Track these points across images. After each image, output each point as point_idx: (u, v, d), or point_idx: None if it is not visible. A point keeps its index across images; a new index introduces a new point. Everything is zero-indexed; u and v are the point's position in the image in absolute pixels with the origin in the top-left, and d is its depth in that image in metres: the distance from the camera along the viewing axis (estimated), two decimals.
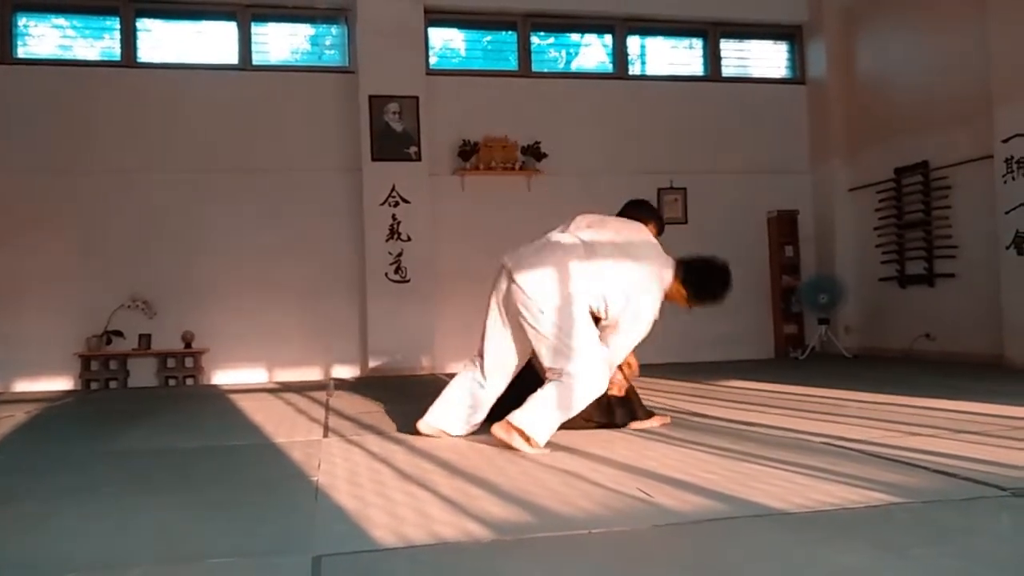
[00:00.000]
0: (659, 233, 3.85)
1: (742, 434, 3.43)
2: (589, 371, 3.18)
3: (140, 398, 6.18)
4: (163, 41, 7.90)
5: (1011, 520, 2.02)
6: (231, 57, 7.86)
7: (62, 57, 7.69)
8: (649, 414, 3.79)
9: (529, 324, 3.24)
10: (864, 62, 8.36)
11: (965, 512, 2.09)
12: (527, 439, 3.10)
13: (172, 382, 7.33)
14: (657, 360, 8.14)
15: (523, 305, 3.24)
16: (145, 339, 7.33)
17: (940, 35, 7.31)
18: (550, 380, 3.22)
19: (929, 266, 7.37)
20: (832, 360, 7.80)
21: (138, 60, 7.70)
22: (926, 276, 7.40)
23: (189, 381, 7.35)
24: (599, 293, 3.26)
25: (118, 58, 7.67)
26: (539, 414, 3.12)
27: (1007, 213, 6.32)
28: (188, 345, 7.40)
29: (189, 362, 7.41)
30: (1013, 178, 6.27)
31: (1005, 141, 6.32)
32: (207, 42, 7.95)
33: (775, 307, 8.65)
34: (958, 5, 7.02)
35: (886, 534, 1.90)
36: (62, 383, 7.27)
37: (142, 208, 7.51)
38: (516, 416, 3.12)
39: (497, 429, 3.17)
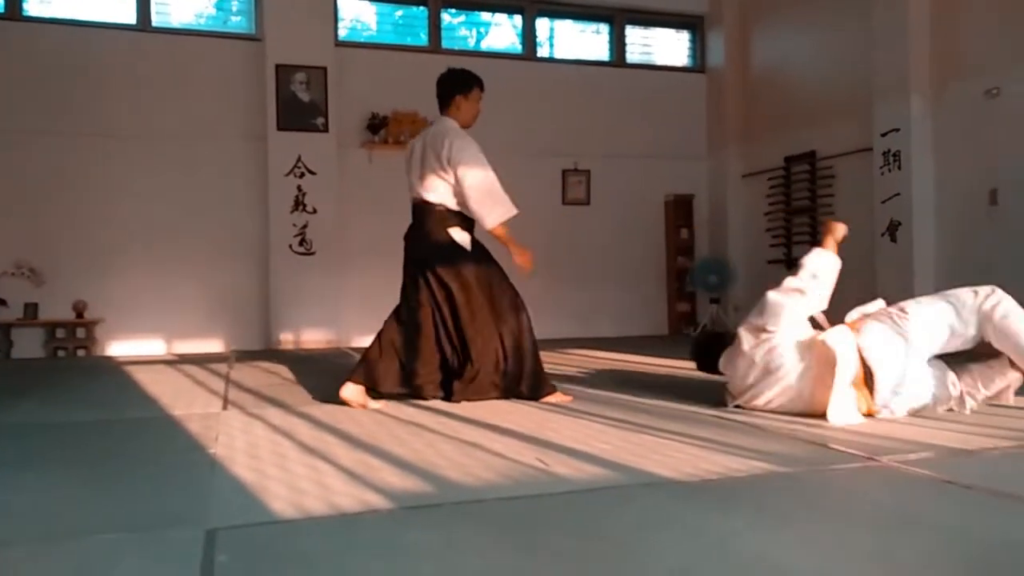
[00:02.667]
0: (466, 92, 3.93)
1: (636, 406, 3.58)
2: None
3: (25, 370, 5.91)
4: None
5: (880, 486, 2.19)
6: (129, 17, 7.50)
7: None
8: (553, 388, 3.87)
9: None
10: (759, 54, 8.70)
11: (839, 480, 2.26)
12: None
13: (62, 354, 7.02)
14: (556, 335, 8.34)
15: None
16: (31, 308, 6.98)
17: (828, 33, 7.69)
18: None
19: None
20: None
21: (24, 14, 7.26)
22: None
23: (81, 353, 7.05)
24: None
25: (2, 11, 7.20)
26: None
27: (883, 202, 6.75)
28: (80, 315, 7.09)
29: (81, 333, 7.10)
30: (889, 170, 6.69)
31: (883, 135, 6.73)
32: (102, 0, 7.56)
33: (670, 286, 8.98)
34: (845, 6, 7.39)
35: (768, 500, 2.04)
36: None
37: (28, 170, 7.12)
38: None
39: None
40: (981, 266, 6.13)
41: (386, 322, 3.85)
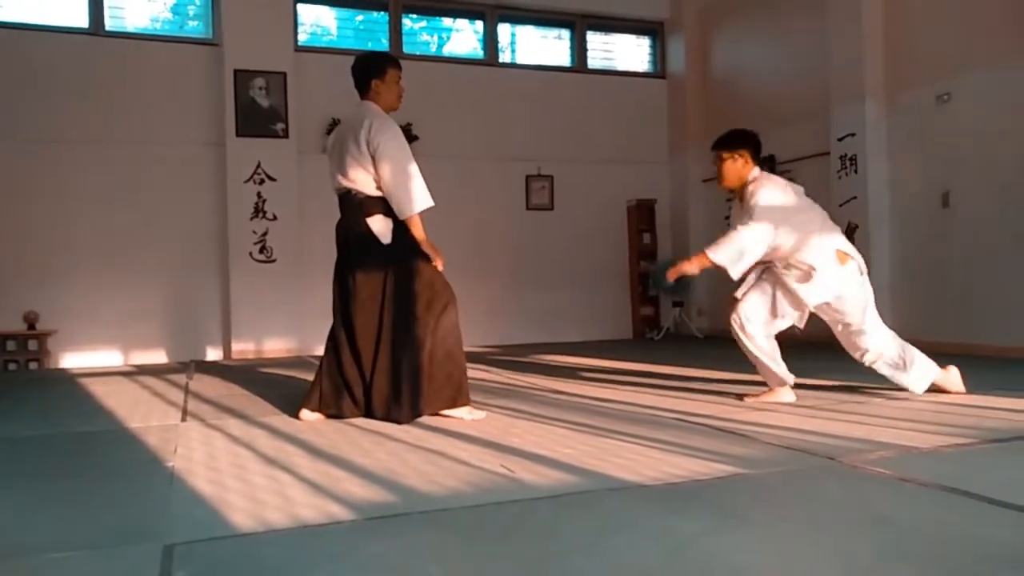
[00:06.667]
0: (380, 76, 3.70)
1: (600, 410, 3.59)
2: None
3: None
4: None
5: (838, 486, 2.22)
6: (81, 21, 7.35)
7: None
8: (465, 401, 3.52)
9: None
10: (719, 60, 8.82)
11: (799, 480, 2.28)
12: None
13: (13, 367, 6.83)
14: (520, 340, 8.35)
15: None
16: None
17: (786, 39, 7.83)
18: None
19: None
20: (685, 340, 8.24)
21: None
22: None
23: (33, 365, 6.87)
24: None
25: None
26: None
27: (840, 206, 6.86)
28: (31, 326, 6.91)
29: (33, 345, 6.92)
30: (847, 173, 6.82)
31: (840, 139, 6.87)
32: (53, 2, 7.38)
33: (633, 291, 9.04)
34: (802, 13, 7.54)
35: (729, 502, 2.05)
36: None
37: None
38: None
39: None
40: (934, 266, 6.28)
41: (327, 341, 3.67)
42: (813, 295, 3.67)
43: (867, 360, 3.76)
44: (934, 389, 3.78)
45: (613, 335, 8.90)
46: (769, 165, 7.91)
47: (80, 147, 7.22)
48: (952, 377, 3.82)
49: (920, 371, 3.73)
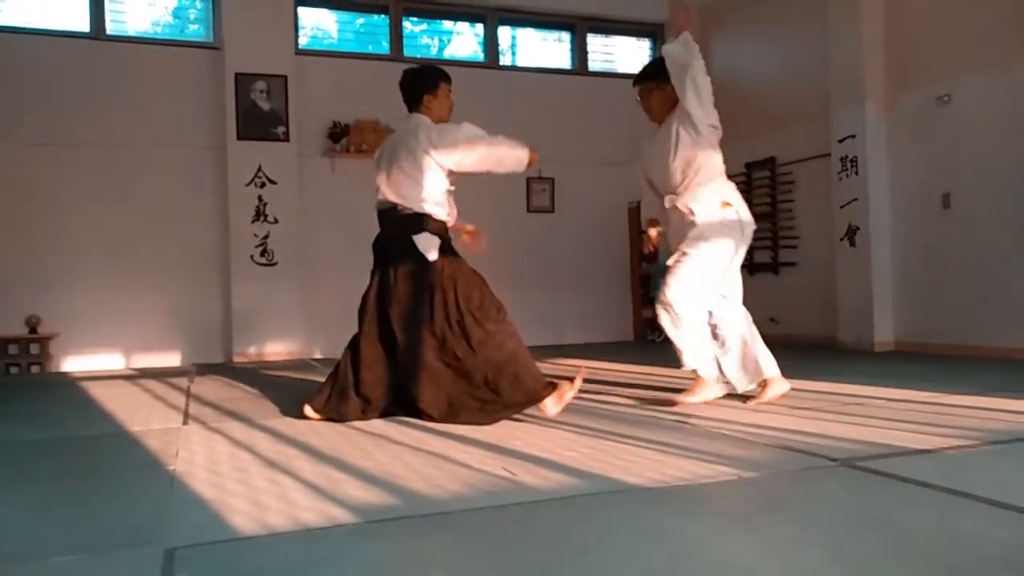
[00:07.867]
0: (432, 91, 3.80)
1: (602, 413, 3.60)
2: None
3: None
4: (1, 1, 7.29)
5: (839, 488, 2.22)
6: (82, 25, 7.36)
7: None
8: (549, 385, 3.47)
9: None
10: (719, 62, 8.79)
11: (800, 482, 2.28)
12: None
13: (14, 370, 6.84)
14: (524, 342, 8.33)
15: None
16: None
17: (786, 40, 7.83)
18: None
19: (774, 255, 7.90)
20: None
21: None
22: (771, 264, 7.93)
23: (35, 369, 6.88)
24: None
25: None
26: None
27: (841, 207, 6.87)
28: (33, 330, 6.92)
29: (35, 348, 6.92)
30: (847, 175, 6.82)
31: (841, 141, 6.86)
32: (53, 6, 7.40)
33: (635, 292, 9.04)
34: (802, 15, 7.53)
35: (731, 505, 2.06)
36: None
37: None
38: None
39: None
40: (935, 268, 6.28)
41: (346, 346, 3.69)
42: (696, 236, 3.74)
43: (660, 302, 3.80)
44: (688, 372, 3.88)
45: (614, 337, 8.90)
46: (770, 167, 7.93)
47: (81, 151, 7.22)
48: (709, 384, 3.80)
49: (695, 347, 3.75)
